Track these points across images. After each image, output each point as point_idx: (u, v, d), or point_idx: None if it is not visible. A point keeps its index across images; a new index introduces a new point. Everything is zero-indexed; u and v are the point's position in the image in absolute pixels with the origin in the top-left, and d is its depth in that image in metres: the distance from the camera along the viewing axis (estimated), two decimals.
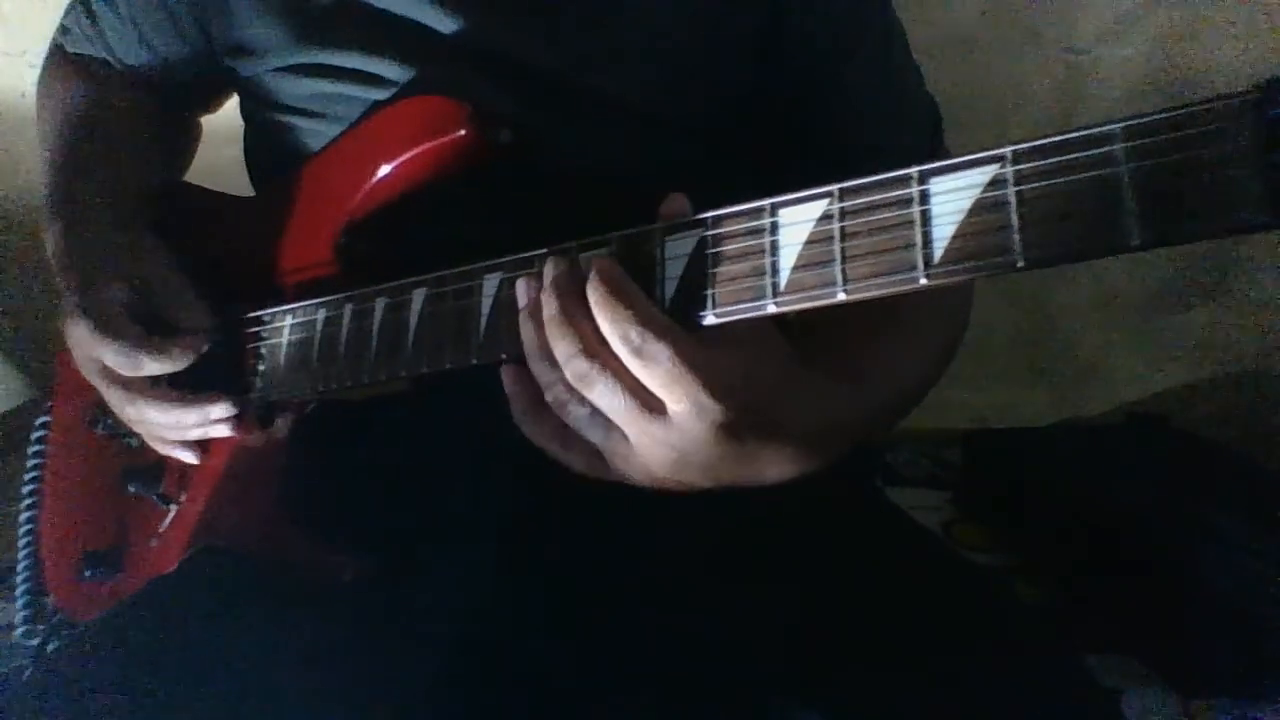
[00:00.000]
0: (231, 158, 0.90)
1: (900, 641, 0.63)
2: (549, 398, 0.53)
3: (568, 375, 0.51)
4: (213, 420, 0.72)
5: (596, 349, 0.50)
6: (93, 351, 0.70)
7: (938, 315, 0.72)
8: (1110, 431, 1.67)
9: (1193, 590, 1.22)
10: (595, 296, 0.50)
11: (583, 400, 0.52)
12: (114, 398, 0.73)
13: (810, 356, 0.57)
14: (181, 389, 0.72)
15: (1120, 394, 1.75)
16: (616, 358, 0.49)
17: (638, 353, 0.48)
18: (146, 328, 0.71)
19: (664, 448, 0.51)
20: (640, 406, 0.50)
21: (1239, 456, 1.50)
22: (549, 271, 0.53)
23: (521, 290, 0.55)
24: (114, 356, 0.69)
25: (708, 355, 0.49)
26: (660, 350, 0.48)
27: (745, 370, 0.50)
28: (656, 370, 0.48)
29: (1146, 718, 1.18)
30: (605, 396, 0.50)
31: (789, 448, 0.54)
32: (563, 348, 0.51)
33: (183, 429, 0.73)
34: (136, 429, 0.75)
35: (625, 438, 0.52)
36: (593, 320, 0.50)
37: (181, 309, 0.73)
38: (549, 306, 0.52)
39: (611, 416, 0.51)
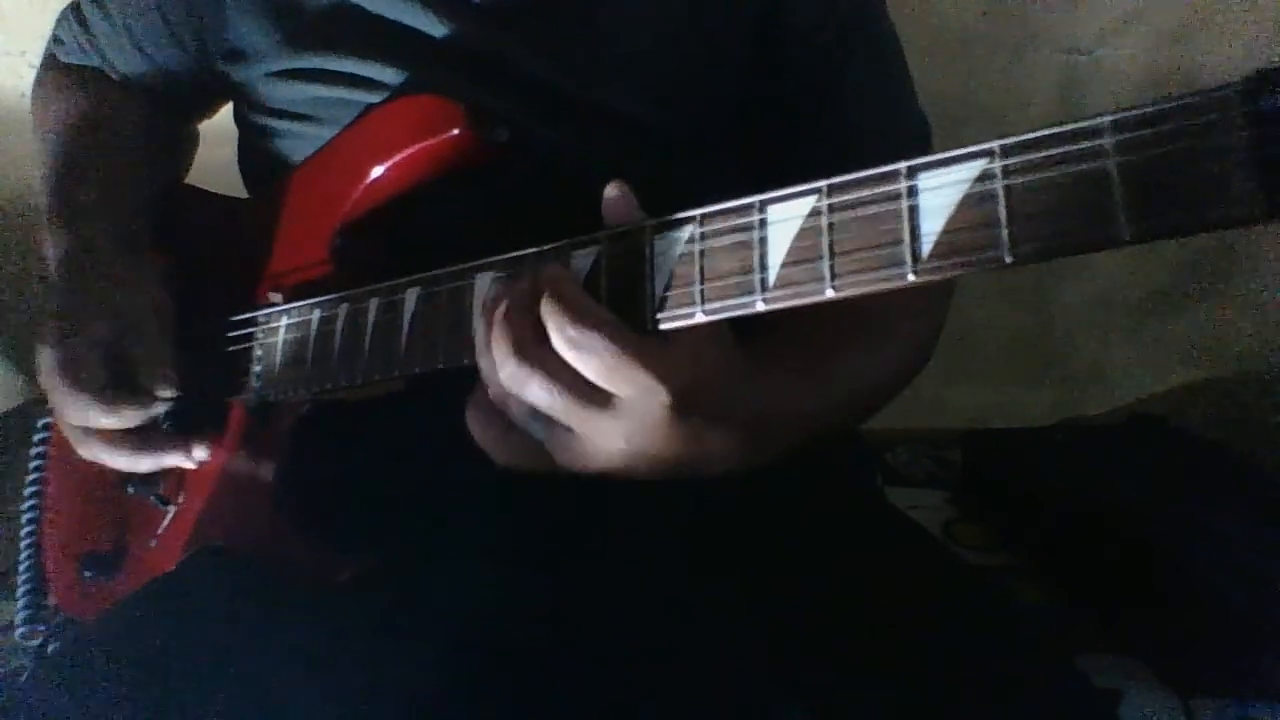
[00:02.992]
0: (225, 158, 0.90)
1: (898, 643, 0.63)
2: (492, 393, 0.54)
3: (502, 377, 0.52)
4: (166, 465, 0.72)
5: (533, 351, 0.51)
6: (47, 387, 0.70)
7: (910, 315, 0.72)
8: (1110, 431, 1.66)
9: (1193, 590, 1.22)
10: (542, 300, 0.51)
11: (522, 395, 0.52)
12: (70, 435, 0.73)
13: (771, 352, 0.58)
14: (148, 429, 0.72)
15: (1120, 394, 1.75)
16: (555, 358, 0.50)
17: (574, 345, 0.49)
18: (120, 370, 0.70)
19: (613, 438, 0.51)
20: (582, 401, 0.51)
21: (1239, 456, 1.50)
22: (514, 285, 0.54)
23: (491, 293, 0.56)
24: (66, 403, 0.69)
25: (646, 343, 0.50)
26: (596, 341, 0.49)
27: (685, 355, 0.51)
28: (595, 361, 0.49)
29: (1146, 718, 1.18)
30: (541, 396, 0.51)
31: (734, 433, 0.55)
32: (499, 349, 0.52)
33: (133, 469, 0.73)
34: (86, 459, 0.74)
35: (569, 431, 0.52)
36: (536, 323, 0.51)
37: (147, 364, 0.72)
38: (498, 310, 0.53)
39: (550, 414, 0.52)
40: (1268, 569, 1.21)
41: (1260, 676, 1.18)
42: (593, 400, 0.51)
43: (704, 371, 0.52)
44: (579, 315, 0.50)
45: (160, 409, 0.71)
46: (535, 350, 0.51)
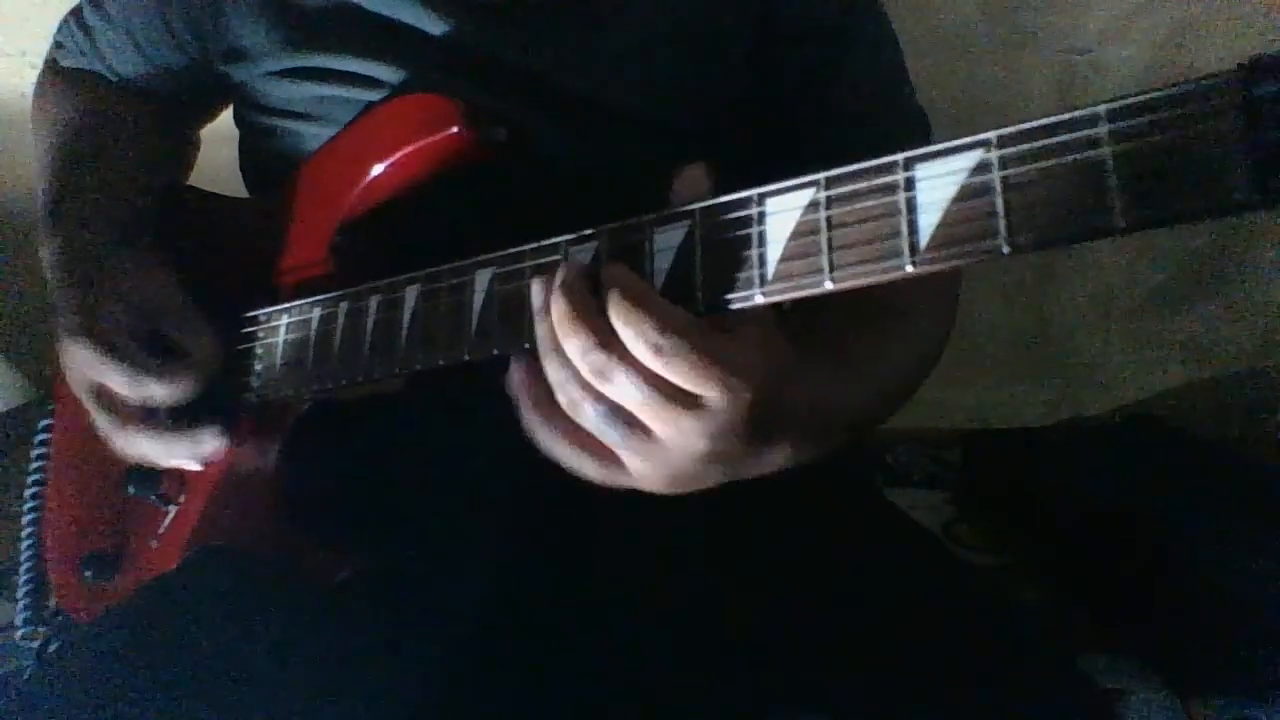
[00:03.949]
0: (225, 158, 0.90)
1: (898, 643, 0.63)
2: (562, 398, 0.51)
3: (584, 370, 0.49)
4: (203, 452, 0.71)
5: (616, 349, 0.48)
6: (94, 374, 0.69)
7: (929, 310, 0.72)
8: (1110, 431, 1.67)
9: (1193, 590, 1.22)
10: (613, 302, 0.48)
11: (599, 398, 0.50)
12: (104, 424, 0.71)
13: (807, 348, 0.57)
14: (173, 416, 0.71)
15: (1120, 394, 1.75)
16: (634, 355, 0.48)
17: (658, 351, 0.47)
18: (150, 347, 0.70)
19: (696, 439, 0.49)
20: (671, 400, 0.48)
21: (1239, 456, 1.50)
22: (561, 273, 0.51)
23: (536, 289, 0.53)
24: (120, 379, 0.68)
25: (723, 341, 0.48)
26: (681, 346, 0.47)
27: (758, 353, 0.49)
28: (680, 366, 0.47)
29: (1146, 718, 1.18)
30: (627, 390, 0.48)
31: (794, 428, 0.54)
32: (576, 342, 0.49)
33: (172, 458, 0.72)
34: (123, 456, 0.73)
35: (647, 433, 0.50)
36: (606, 318, 0.49)
37: (189, 334, 0.71)
38: (559, 304, 0.50)
39: (635, 411, 0.49)
40: (1267, 569, 1.21)
41: (1260, 676, 1.18)
42: (681, 399, 0.48)
43: (774, 368, 0.50)
44: (662, 321, 0.47)
45: (212, 371, 0.70)
46: (617, 344, 0.48)
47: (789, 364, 0.52)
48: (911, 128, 0.78)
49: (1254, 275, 1.63)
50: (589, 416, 0.50)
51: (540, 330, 0.52)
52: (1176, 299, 1.68)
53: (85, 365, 0.69)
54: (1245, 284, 1.65)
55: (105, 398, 0.70)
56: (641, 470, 0.51)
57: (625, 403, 0.49)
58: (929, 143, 0.81)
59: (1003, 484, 1.56)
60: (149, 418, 0.71)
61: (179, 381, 0.69)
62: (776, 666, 0.64)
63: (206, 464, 0.74)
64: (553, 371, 0.51)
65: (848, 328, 0.64)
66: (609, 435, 0.50)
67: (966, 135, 0.41)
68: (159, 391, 0.68)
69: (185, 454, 0.71)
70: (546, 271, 0.54)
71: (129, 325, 0.70)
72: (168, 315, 0.72)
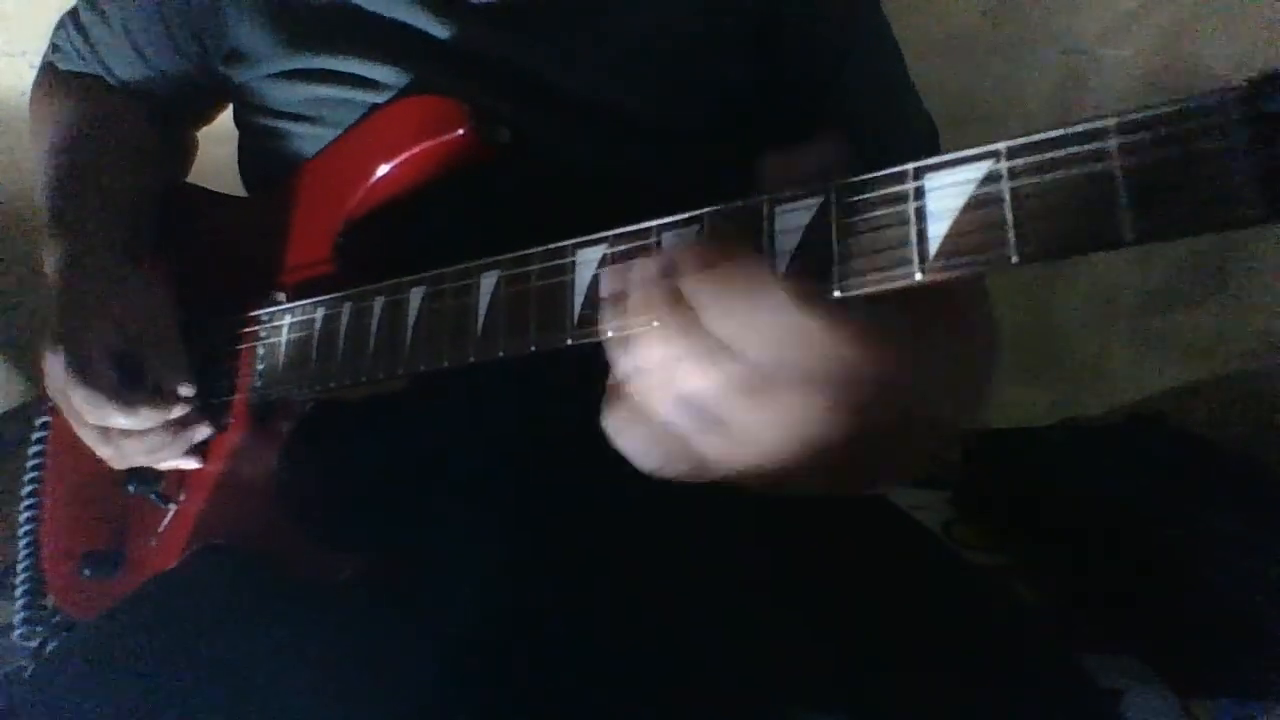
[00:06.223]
0: (225, 158, 0.90)
1: (899, 643, 0.63)
2: (634, 386, 0.46)
3: (655, 360, 0.45)
4: (195, 441, 0.73)
5: (683, 330, 0.43)
6: (64, 387, 0.70)
7: (990, 337, 0.69)
8: (1110, 431, 1.67)
9: (1193, 590, 1.22)
10: (707, 254, 0.44)
11: (670, 386, 0.45)
12: (87, 436, 0.73)
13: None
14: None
15: (1120, 394, 1.75)
16: (708, 337, 0.43)
17: (747, 296, 0.42)
18: (126, 372, 0.71)
19: (766, 428, 0.44)
20: (739, 382, 0.43)
21: (1239, 456, 1.50)
22: (647, 266, 0.46)
23: (609, 283, 0.50)
24: (82, 401, 0.69)
25: (830, 307, 0.42)
26: (775, 296, 0.42)
27: (872, 330, 0.43)
28: (768, 318, 0.42)
29: (1146, 718, 1.18)
30: (694, 380, 0.43)
31: (891, 437, 0.47)
32: (651, 331, 0.45)
33: (165, 454, 0.73)
34: (112, 463, 0.75)
35: (721, 421, 0.45)
36: (680, 301, 0.44)
37: (163, 367, 0.72)
38: (638, 290, 0.46)
39: (703, 401, 0.44)
40: (1268, 569, 1.21)
41: (1259, 676, 1.18)
42: (751, 382, 0.43)
43: (874, 361, 0.43)
44: (755, 271, 0.43)
45: (179, 411, 0.71)
46: (685, 329, 0.43)
47: (899, 361, 0.44)
48: (918, 132, 0.78)
49: (1254, 275, 1.64)
50: (659, 405, 0.45)
51: (603, 321, 0.49)
52: (1176, 299, 1.68)
53: (58, 376, 0.71)
54: (1245, 284, 1.65)
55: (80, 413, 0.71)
56: (718, 459, 0.46)
57: (692, 390, 0.44)
58: (937, 146, 0.80)
59: (1003, 484, 1.56)
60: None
61: (139, 413, 0.70)
62: (775, 666, 0.64)
63: (206, 456, 0.75)
64: (622, 361, 0.47)
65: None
66: (681, 424, 0.45)
67: (967, 135, 0.41)
68: (118, 419, 0.70)
69: (181, 446, 0.73)
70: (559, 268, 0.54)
71: (111, 346, 0.71)
72: (146, 341, 0.72)
